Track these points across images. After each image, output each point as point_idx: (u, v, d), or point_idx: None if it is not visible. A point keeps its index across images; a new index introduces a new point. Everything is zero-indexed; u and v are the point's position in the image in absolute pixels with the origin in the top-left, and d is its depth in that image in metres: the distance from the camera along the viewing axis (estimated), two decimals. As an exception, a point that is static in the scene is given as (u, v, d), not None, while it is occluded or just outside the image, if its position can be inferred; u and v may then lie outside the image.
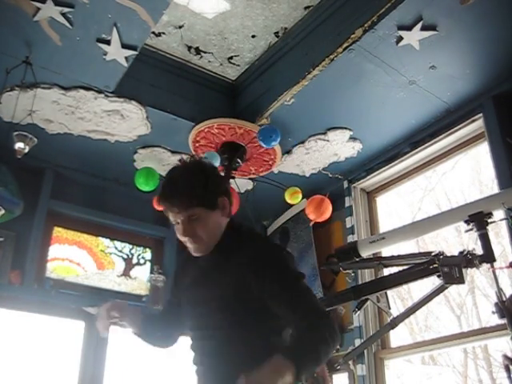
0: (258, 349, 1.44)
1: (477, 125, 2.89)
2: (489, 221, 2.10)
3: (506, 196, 2.14)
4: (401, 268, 2.38)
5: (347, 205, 3.55)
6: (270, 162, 3.33)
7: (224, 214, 1.58)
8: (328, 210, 3.00)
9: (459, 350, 6.31)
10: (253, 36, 2.96)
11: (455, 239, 6.30)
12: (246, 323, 1.50)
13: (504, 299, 1.92)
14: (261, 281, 1.48)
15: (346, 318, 3.35)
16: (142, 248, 3.86)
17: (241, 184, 3.53)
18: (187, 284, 1.70)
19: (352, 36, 2.45)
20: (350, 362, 3.12)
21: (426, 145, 3.12)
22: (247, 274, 1.49)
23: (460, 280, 2.04)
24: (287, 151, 3.36)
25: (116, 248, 3.75)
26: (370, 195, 3.63)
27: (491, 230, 2.11)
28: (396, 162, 3.31)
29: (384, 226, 3.56)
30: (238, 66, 3.20)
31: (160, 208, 1.58)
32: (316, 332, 1.38)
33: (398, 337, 3.56)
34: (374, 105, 2.94)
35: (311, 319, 1.41)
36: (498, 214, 2.16)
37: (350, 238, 3.39)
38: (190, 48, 3.06)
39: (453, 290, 6.18)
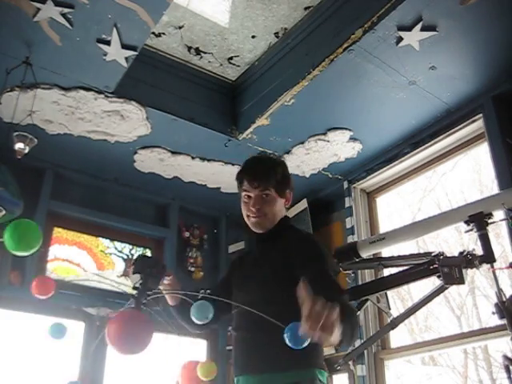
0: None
1: (477, 125, 2.89)
2: (489, 221, 2.10)
3: (506, 196, 2.14)
4: (401, 268, 2.38)
5: (347, 205, 3.55)
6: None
7: (286, 204, 1.85)
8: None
9: (459, 351, 6.31)
10: (253, 36, 2.96)
11: (455, 239, 6.30)
12: (281, 300, 1.59)
13: (504, 300, 1.92)
14: (302, 260, 1.62)
15: (346, 319, 3.35)
16: (141, 248, 3.86)
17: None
18: (240, 269, 1.90)
19: (352, 36, 2.45)
20: (350, 363, 3.11)
21: (426, 145, 3.12)
22: (290, 254, 1.65)
23: (460, 280, 2.04)
24: (287, 152, 3.36)
25: (116, 248, 3.75)
26: (370, 196, 3.63)
27: (491, 231, 2.11)
28: (396, 162, 3.31)
29: (384, 226, 3.56)
30: (238, 66, 3.20)
31: (238, 181, 1.86)
32: (350, 313, 1.46)
33: (398, 337, 3.56)
34: (374, 105, 2.94)
35: (343, 305, 1.46)
36: (498, 215, 2.16)
37: (350, 239, 3.39)
38: (190, 48, 3.06)
39: (453, 290, 6.18)
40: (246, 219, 1.82)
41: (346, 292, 1.59)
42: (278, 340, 1.45)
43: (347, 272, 3.21)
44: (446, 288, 2.15)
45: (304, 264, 1.60)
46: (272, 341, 1.50)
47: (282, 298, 1.58)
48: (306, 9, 2.78)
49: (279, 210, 1.80)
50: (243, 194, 1.81)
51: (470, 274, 2.19)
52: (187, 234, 3.97)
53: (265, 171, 1.81)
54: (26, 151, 2.61)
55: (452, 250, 6.01)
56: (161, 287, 1.87)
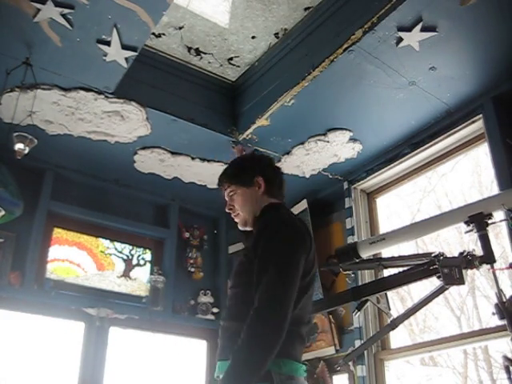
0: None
1: (477, 126, 2.89)
2: (489, 222, 2.09)
3: (506, 197, 2.13)
4: (401, 269, 2.37)
5: (347, 206, 3.55)
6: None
7: (260, 191, 1.82)
8: None
9: (459, 351, 6.30)
10: (253, 37, 2.96)
11: (456, 240, 6.30)
12: (242, 291, 1.63)
13: (504, 300, 1.92)
14: (256, 255, 1.61)
15: (346, 319, 3.36)
16: (141, 249, 3.87)
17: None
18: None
19: (352, 37, 2.45)
20: (350, 363, 3.11)
21: (426, 146, 3.12)
22: (253, 246, 1.64)
23: (460, 281, 2.04)
24: (287, 152, 3.36)
25: (116, 249, 3.75)
26: (370, 196, 3.63)
27: (491, 231, 2.11)
28: (396, 163, 3.31)
29: (384, 227, 3.56)
30: (238, 66, 3.20)
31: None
32: (251, 331, 1.45)
33: (398, 338, 3.56)
34: (374, 106, 2.94)
35: (256, 310, 1.48)
36: (498, 215, 2.16)
37: (350, 239, 3.39)
38: (190, 49, 3.06)
39: (453, 290, 6.18)
40: None
41: (280, 284, 1.53)
42: (232, 328, 1.56)
43: (347, 272, 3.21)
44: (446, 288, 2.15)
45: (256, 258, 1.61)
46: (236, 330, 1.54)
47: (242, 284, 1.64)
48: (306, 9, 2.78)
49: (252, 200, 1.81)
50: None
51: (470, 274, 2.19)
52: (187, 235, 3.97)
53: (224, 173, 1.91)
54: (26, 152, 2.61)
55: (452, 251, 6.01)
56: None
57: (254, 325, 1.46)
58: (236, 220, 1.87)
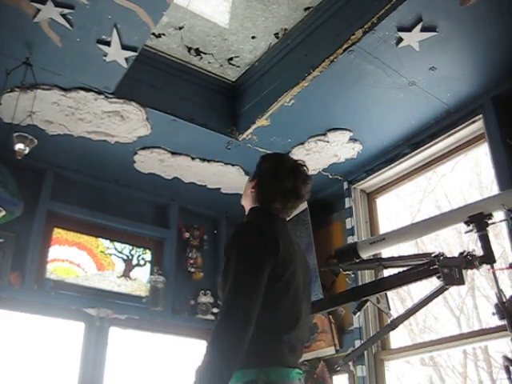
0: None
1: (477, 126, 2.89)
2: (489, 222, 2.09)
3: (506, 197, 2.13)
4: (401, 269, 2.37)
5: (347, 206, 3.55)
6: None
7: (253, 191, 1.84)
8: None
9: (459, 351, 6.30)
10: (253, 37, 2.96)
11: (456, 240, 6.30)
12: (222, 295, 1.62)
13: (504, 300, 1.92)
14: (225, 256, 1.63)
15: (346, 319, 3.36)
16: (141, 249, 3.86)
17: (241, 185, 3.53)
18: None
19: (352, 37, 2.45)
20: (350, 363, 3.11)
21: (426, 146, 3.12)
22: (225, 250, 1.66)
23: (460, 281, 2.04)
24: (287, 152, 3.36)
25: (116, 249, 3.75)
26: (370, 196, 3.63)
27: (491, 231, 2.11)
28: (396, 163, 3.31)
29: (384, 227, 3.56)
30: (238, 67, 3.20)
31: None
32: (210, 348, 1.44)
33: (398, 338, 3.56)
34: (374, 106, 2.94)
35: (218, 316, 1.55)
36: (498, 215, 2.16)
37: (350, 239, 3.39)
38: (189, 49, 3.06)
39: (453, 291, 6.18)
40: None
41: (238, 291, 1.51)
42: None
43: (347, 273, 3.20)
44: (446, 289, 2.15)
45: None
46: None
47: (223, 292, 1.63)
48: (306, 9, 2.78)
49: (247, 196, 1.88)
50: None
51: (469, 274, 2.19)
52: (187, 235, 3.97)
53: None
54: (26, 152, 2.61)
55: (452, 251, 6.01)
56: None
57: (215, 336, 1.45)
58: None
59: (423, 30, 2.38)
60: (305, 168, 1.83)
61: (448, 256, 2.18)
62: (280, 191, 1.78)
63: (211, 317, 3.80)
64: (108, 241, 3.74)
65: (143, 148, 3.35)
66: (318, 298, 3.36)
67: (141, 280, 3.75)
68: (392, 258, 2.54)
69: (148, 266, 3.84)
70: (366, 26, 2.39)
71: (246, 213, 1.86)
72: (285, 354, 1.57)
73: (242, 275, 1.53)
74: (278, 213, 1.80)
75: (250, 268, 1.54)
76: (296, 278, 1.66)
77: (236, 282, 1.51)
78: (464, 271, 2.05)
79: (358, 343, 3.10)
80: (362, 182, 3.54)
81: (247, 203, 1.88)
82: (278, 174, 1.80)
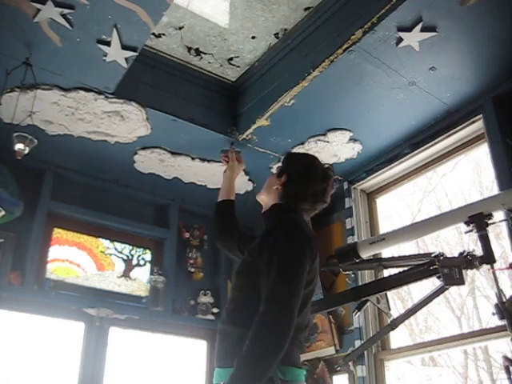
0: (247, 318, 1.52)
1: (477, 126, 2.89)
2: (489, 222, 2.09)
3: (506, 197, 2.13)
4: (401, 269, 2.37)
5: (347, 206, 3.55)
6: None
7: (278, 188, 1.85)
8: None
9: (459, 351, 6.31)
10: (253, 37, 2.96)
11: (456, 240, 6.30)
12: (243, 289, 1.62)
13: (504, 300, 1.92)
14: (262, 256, 1.59)
15: (346, 319, 3.36)
16: (141, 249, 3.86)
17: (241, 185, 3.54)
18: None
19: (352, 37, 2.45)
20: (350, 364, 3.11)
21: (426, 146, 3.12)
22: (260, 246, 1.62)
23: (460, 281, 2.04)
24: (287, 152, 3.36)
25: (116, 249, 3.75)
26: (370, 196, 3.63)
27: (491, 231, 2.11)
28: (396, 163, 3.30)
29: (384, 227, 3.56)
30: (238, 67, 3.20)
31: None
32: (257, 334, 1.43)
33: (398, 338, 3.56)
34: (374, 106, 2.94)
35: (262, 317, 1.46)
36: (498, 215, 2.16)
37: (350, 239, 3.39)
38: (190, 49, 3.06)
39: (453, 291, 6.18)
40: None
41: (285, 287, 1.50)
42: (235, 334, 1.53)
43: (347, 273, 3.21)
44: (446, 289, 2.15)
45: (261, 258, 1.59)
46: (230, 335, 1.55)
47: (244, 287, 1.63)
48: (306, 9, 2.78)
49: (270, 190, 1.89)
50: None
51: (470, 274, 2.19)
52: (187, 235, 3.96)
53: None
54: (26, 152, 2.61)
55: (452, 251, 6.01)
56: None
57: (261, 331, 1.44)
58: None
59: (423, 30, 2.38)
60: (333, 172, 1.89)
61: (448, 256, 2.18)
62: (311, 192, 1.81)
63: (211, 317, 3.80)
64: (108, 241, 3.73)
65: (143, 148, 3.35)
66: (318, 298, 3.37)
67: (141, 280, 3.75)
68: (392, 258, 2.54)
69: (148, 266, 3.84)
70: (366, 26, 2.39)
71: (266, 208, 1.86)
72: (296, 353, 1.59)
73: (291, 276, 1.52)
74: (303, 213, 1.82)
75: (298, 270, 1.55)
76: (315, 283, 1.69)
77: (286, 282, 1.51)
78: (464, 271, 2.05)
79: (358, 343, 3.10)
80: (362, 182, 3.54)
81: (269, 199, 1.87)
82: (310, 175, 1.83)
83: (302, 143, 3.27)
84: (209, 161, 3.48)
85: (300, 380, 1.56)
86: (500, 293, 1.94)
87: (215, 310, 3.82)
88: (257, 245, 1.65)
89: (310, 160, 1.92)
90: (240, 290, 1.66)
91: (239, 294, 1.65)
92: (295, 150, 3.32)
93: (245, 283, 1.64)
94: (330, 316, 3.38)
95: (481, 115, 2.81)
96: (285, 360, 1.49)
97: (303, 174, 1.84)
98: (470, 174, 6.29)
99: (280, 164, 1.96)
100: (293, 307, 1.48)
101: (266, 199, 1.90)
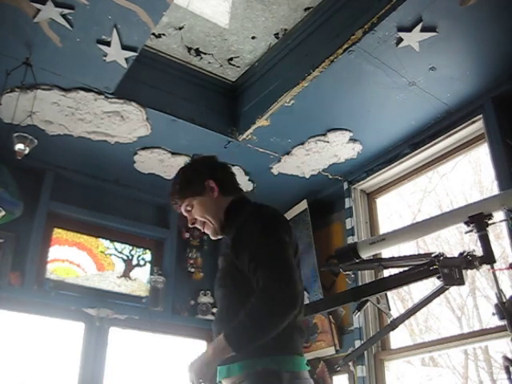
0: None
1: (477, 126, 2.89)
2: (489, 222, 2.09)
3: (506, 197, 2.13)
4: (401, 269, 2.37)
5: (347, 206, 3.54)
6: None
7: (215, 194, 1.75)
8: None
9: (460, 352, 6.31)
10: (253, 37, 2.96)
11: (456, 240, 6.30)
12: (233, 297, 1.62)
13: (504, 300, 1.92)
14: (242, 247, 1.56)
15: (346, 319, 3.35)
16: (141, 249, 3.87)
17: (241, 185, 3.53)
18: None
19: (352, 37, 2.45)
20: (350, 364, 3.11)
21: (426, 146, 3.12)
22: (236, 243, 1.59)
23: (460, 281, 2.04)
24: (287, 152, 3.36)
25: (116, 249, 3.75)
26: (370, 196, 3.63)
27: (491, 232, 2.11)
28: (396, 163, 3.31)
29: (384, 227, 3.56)
30: (238, 67, 3.20)
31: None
32: (261, 307, 1.42)
33: (398, 338, 3.56)
34: (374, 106, 2.94)
35: (265, 292, 1.43)
36: (498, 216, 2.16)
37: (350, 240, 3.39)
38: (190, 49, 3.06)
39: (453, 291, 6.18)
40: None
41: (284, 266, 1.49)
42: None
43: (347, 273, 3.20)
44: (446, 289, 2.15)
45: (243, 250, 1.56)
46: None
47: (231, 291, 1.63)
48: (306, 10, 2.78)
49: (212, 206, 1.74)
50: None
51: (470, 274, 2.19)
52: (187, 235, 3.97)
53: (173, 191, 1.81)
54: (26, 152, 2.61)
55: (452, 251, 6.01)
56: None
57: (269, 292, 1.42)
58: (206, 231, 1.80)
59: (423, 30, 2.38)
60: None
61: (448, 256, 2.18)
62: (230, 175, 1.89)
63: (211, 317, 3.79)
64: (108, 241, 3.74)
65: (143, 148, 3.35)
66: (317, 298, 3.37)
67: (141, 280, 3.75)
68: (392, 259, 2.54)
69: (148, 266, 3.84)
70: (366, 26, 2.39)
71: (223, 217, 1.75)
72: (297, 339, 1.57)
73: (280, 252, 1.51)
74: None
75: (284, 246, 1.54)
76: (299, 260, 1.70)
77: (277, 256, 1.50)
78: (464, 271, 2.05)
79: (357, 343, 3.10)
80: (362, 182, 3.54)
81: (218, 214, 1.76)
82: (216, 166, 1.88)
83: (302, 143, 3.27)
84: (209, 161, 3.48)
85: (303, 369, 1.54)
86: (500, 293, 1.94)
87: (215, 310, 3.82)
88: (236, 239, 1.62)
89: (199, 160, 1.92)
90: (227, 286, 1.67)
91: (227, 292, 1.66)
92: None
93: (231, 280, 1.64)
94: (330, 316, 3.38)
95: (481, 115, 2.81)
96: (287, 348, 1.50)
97: (215, 168, 1.84)
98: (470, 174, 6.29)
99: (179, 190, 1.81)
100: (293, 274, 1.46)
101: (214, 222, 1.75)
